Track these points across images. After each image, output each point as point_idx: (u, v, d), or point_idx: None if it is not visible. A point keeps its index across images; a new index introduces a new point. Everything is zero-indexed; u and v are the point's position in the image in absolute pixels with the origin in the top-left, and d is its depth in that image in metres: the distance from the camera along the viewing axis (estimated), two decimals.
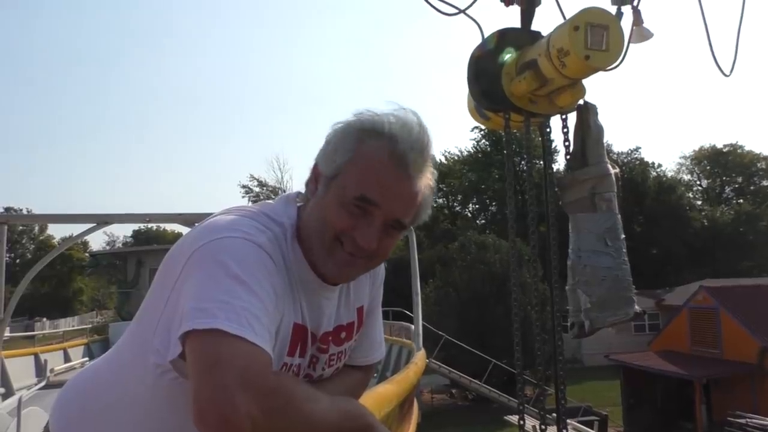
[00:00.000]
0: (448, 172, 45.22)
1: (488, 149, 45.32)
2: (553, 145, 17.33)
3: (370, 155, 1.09)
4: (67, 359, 13.16)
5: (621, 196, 2.64)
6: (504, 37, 2.64)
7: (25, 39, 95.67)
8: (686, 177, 55.35)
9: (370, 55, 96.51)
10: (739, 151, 53.33)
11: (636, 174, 44.24)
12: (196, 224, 1.13)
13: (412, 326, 9.53)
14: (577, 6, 2.36)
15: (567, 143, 2.66)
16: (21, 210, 54.02)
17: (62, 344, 14.89)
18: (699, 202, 52.60)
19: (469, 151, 47.40)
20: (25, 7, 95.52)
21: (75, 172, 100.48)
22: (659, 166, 50.69)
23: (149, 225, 54.19)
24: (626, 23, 2.69)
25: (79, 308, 55.75)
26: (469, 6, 2.74)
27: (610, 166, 2.62)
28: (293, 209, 1.18)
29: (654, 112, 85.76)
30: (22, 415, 5.18)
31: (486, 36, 2.66)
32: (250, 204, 1.25)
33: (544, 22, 2.64)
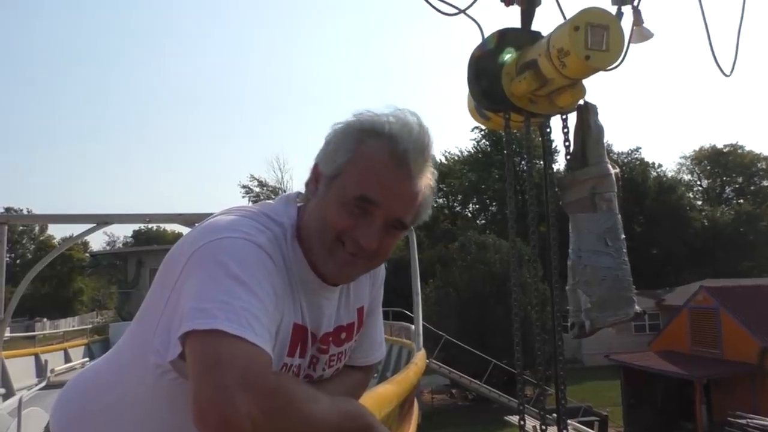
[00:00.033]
0: (448, 172, 45.21)
1: (488, 149, 45.32)
2: (554, 145, 17.35)
3: (370, 155, 1.09)
4: (67, 359, 13.17)
5: (621, 196, 2.64)
6: (504, 37, 2.64)
7: (25, 39, 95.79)
8: (686, 177, 55.41)
9: (370, 55, 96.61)
10: (739, 151, 53.34)
11: (636, 174, 44.23)
12: (196, 224, 1.13)
13: (412, 326, 9.54)
14: (577, 6, 2.36)
15: (567, 143, 2.66)
16: (21, 210, 54.11)
17: (63, 344, 14.89)
18: (699, 203, 52.60)
19: (469, 151, 47.46)
20: (25, 7, 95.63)
21: (75, 172, 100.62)
22: (659, 166, 50.77)
23: (149, 225, 54.23)
24: (626, 23, 2.69)
25: (79, 308, 55.75)
26: (469, 6, 2.75)
27: (610, 166, 2.62)
28: (293, 209, 1.18)
29: (654, 112, 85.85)
30: (22, 416, 5.18)
31: (486, 36, 2.66)
32: (250, 204, 1.25)
33: (545, 22, 2.64)
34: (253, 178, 44.30)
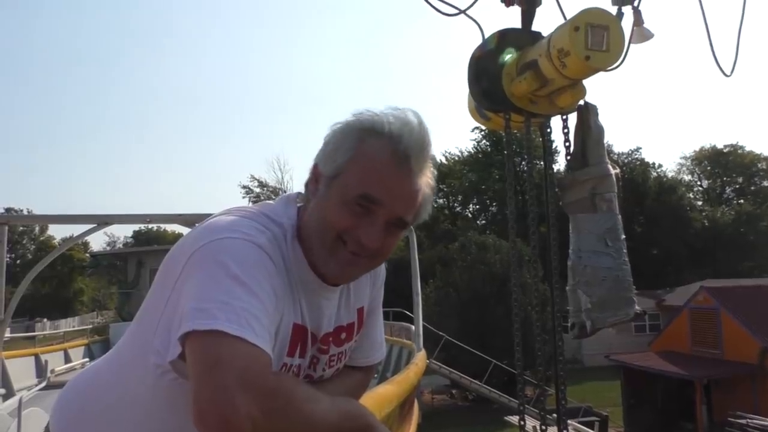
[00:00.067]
0: (448, 172, 45.23)
1: (489, 150, 45.33)
2: (554, 146, 17.32)
3: (371, 154, 1.09)
4: (67, 360, 13.17)
5: (621, 197, 2.64)
6: (504, 38, 2.64)
7: (25, 39, 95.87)
8: (687, 177, 55.42)
9: (370, 55, 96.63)
10: (739, 151, 53.34)
11: (636, 174, 44.24)
12: (196, 225, 1.13)
13: (413, 327, 9.54)
14: (577, 6, 2.36)
15: (567, 144, 2.66)
16: (21, 210, 54.04)
17: (63, 345, 14.90)
18: (699, 203, 52.62)
19: (469, 152, 47.47)
20: (25, 7, 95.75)
21: (75, 172, 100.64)
22: (660, 166, 50.80)
23: (149, 225, 54.26)
24: (627, 24, 2.69)
25: (79, 309, 55.74)
26: (469, 6, 2.75)
27: (610, 167, 2.62)
28: (293, 210, 1.18)
29: (654, 113, 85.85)
30: (22, 416, 5.18)
31: (486, 36, 2.66)
32: (250, 204, 1.25)
33: (545, 22, 2.64)
34: (253, 178, 44.36)
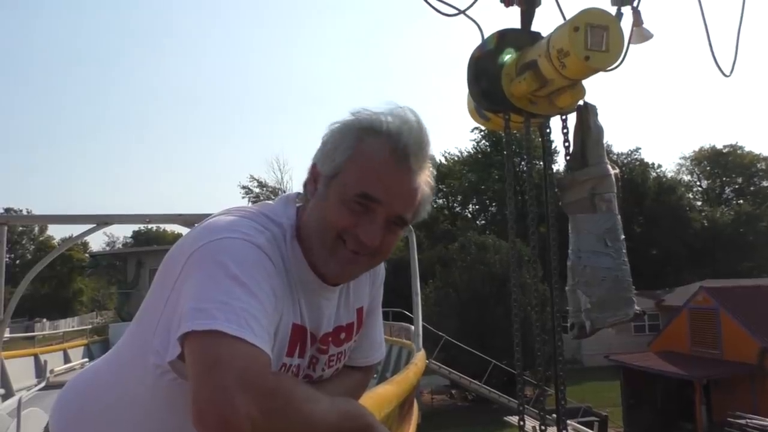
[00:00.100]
0: (448, 172, 45.22)
1: (488, 150, 45.32)
2: (553, 146, 17.34)
3: (370, 152, 1.09)
4: (67, 360, 13.17)
5: (621, 197, 2.64)
6: (504, 38, 2.64)
7: (25, 39, 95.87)
8: (686, 177, 55.43)
9: (370, 55, 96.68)
10: (739, 151, 53.35)
11: (636, 174, 44.25)
12: (196, 225, 1.13)
13: (412, 327, 9.53)
14: (577, 7, 2.36)
15: (567, 144, 2.66)
16: (21, 210, 53.99)
17: (62, 345, 14.90)
18: (699, 203, 52.62)
19: (469, 152, 47.45)
20: (25, 7, 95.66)
21: (75, 172, 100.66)
22: (659, 166, 50.82)
23: (149, 226, 54.25)
24: (626, 24, 2.69)
25: (79, 309, 55.74)
26: (469, 7, 2.75)
27: (609, 167, 2.62)
28: (293, 210, 1.18)
29: (654, 113, 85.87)
30: (21, 416, 5.18)
31: (486, 37, 2.66)
32: (250, 204, 1.25)
33: (544, 22, 2.64)
34: (252, 178, 44.30)
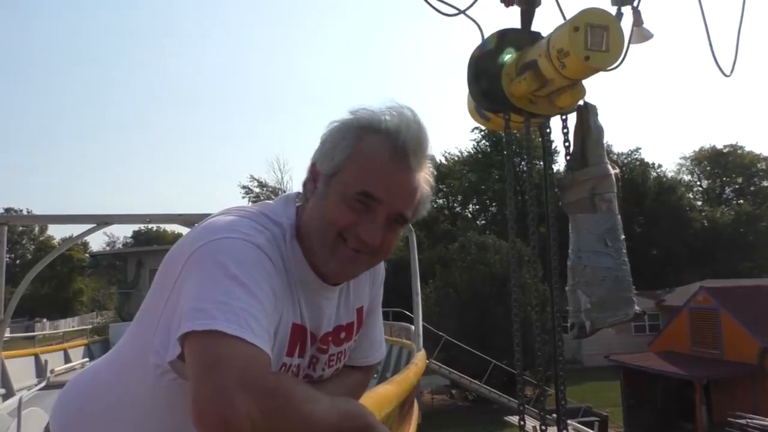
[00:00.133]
0: (448, 172, 45.22)
1: (488, 150, 45.32)
2: (553, 146, 17.34)
3: (369, 151, 1.09)
4: (67, 360, 13.16)
5: (621, 197, 2.64)
6: (504, 38, 2.64)
7: (25, 39, 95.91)
8: (686, 177, 55.43)
9: (370, 55, 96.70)
10: (739, 151, 53.35)
11: (636, 174, 44.25)
12: (196, 225, 1.13)
13: (412, 327, 9.53)
14: (577, 6, 2.36)
15: (567, 144, 2.66)
16: (21, 210, 54.11)
17: (62, 345, 14.88)
18: (699, 203, 52.62)
19: (469, 152, 47.45)
20: (25, 7, 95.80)
21: (75, 172, 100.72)
22: (659, 166, 50.83)
23: (149, 225, 54.25)
24: (626, 24, 2.69)
25: (79, 309, 55.75)
26: (469, 7, 2.75)
27: (610, 167, 2.62)
28: (292, 209, 1.18)
29: (654, 113, 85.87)
30: (22, 416, 5.18)
31: (486, 36, 2.66)
32: (250, 204, 1.26)
33: (545, 22, 2.64)
34: (252, 178, 44.31)
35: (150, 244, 48.44)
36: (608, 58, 2.32)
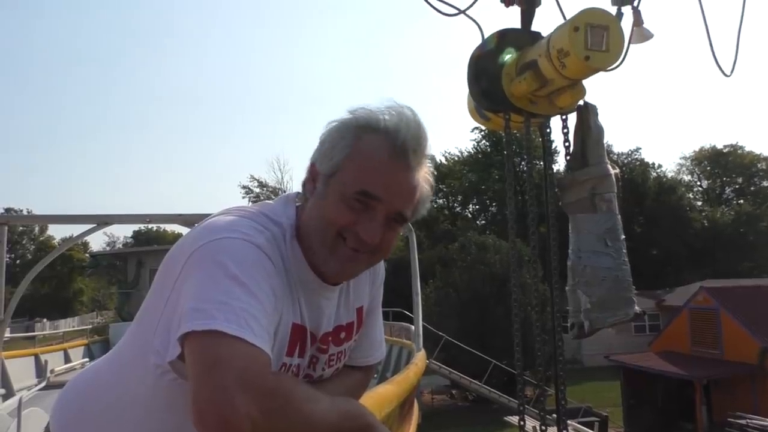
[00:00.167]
0: (448, 172, 45.22)
1: (488, 150, 45.31)
2: (554, 146, 17.34)
3: (368, 150, 1.09)
4: (67, 360, 13.15)
5: (621, 197, 2.64)
6: (504, 38, 2.64)
7: (25, 39, 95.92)
8: (686, 177, 55.42)
9: (370, 55, 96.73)
10: (739, 151, 53.34)
11: (636, 174, 44.24)
12: (196, 225, 1.13)
13: (412, 327, 9.52)
14: (577, 6, 2.36)
15: (567, 144, 2.66)
16: (21, 210, 54.13)
17: (62, 345, 14.87)
18: (699, 203, 52.62)
19: (469, 152, 47.45)
20: (25, 7, 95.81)
21: (75, 172, 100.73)
22: (659, 166, 50.83)
23: (149, 226, 54.26)
24: (626, 24, 2.69)
25: (79, 309, 55.74)
26: (469, 6, 2.75)
27: (610, 167, 2.62)
28: (292, 209, 1.18)
29: (654, 113, 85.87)
30: (22, 416, 5.18)
31: (486, 36, 2.66)
32: (250, 204, 1.26)
33: (545, 22, 2.64)
34: (253, 178, 44.30)
35: (150, 244, 48.45)
36: (608, 58, 2.32)
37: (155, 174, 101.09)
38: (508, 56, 2.61)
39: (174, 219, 7.81)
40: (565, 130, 2.67)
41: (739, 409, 18.37)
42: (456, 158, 47.94)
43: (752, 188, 52.69)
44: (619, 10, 2.67)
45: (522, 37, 2.64)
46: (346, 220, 1.09)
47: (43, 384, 10.10)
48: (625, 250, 2.59)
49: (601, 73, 2.40)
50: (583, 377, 24.60)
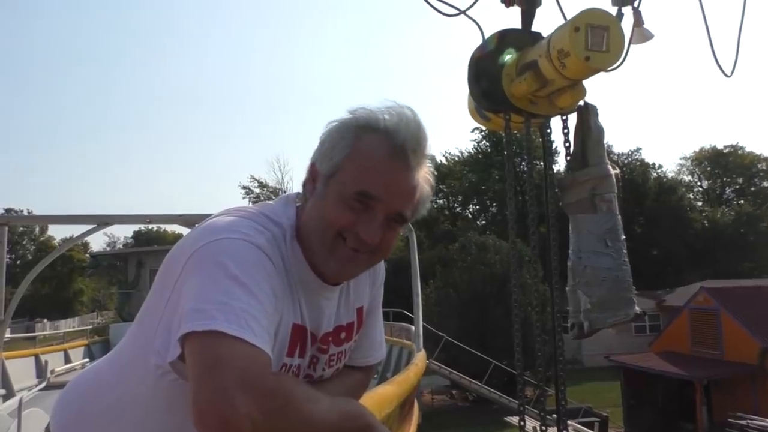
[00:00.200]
0: (448, 173, 45.21)
1: (488, 150, 45.30)
2: (554, 146, 17.33)
3: (367, 150, 1.09)
4: (67, 360, 13.14)
5: (621, 197, 2.64)
6: (504, 38, 2.64)
7: (25, 39, 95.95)
8: (687, 178, 55.41)
9: (370, 55, 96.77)
10: (739, 152, 53.34)
11: (636, 175, 44.23)
12: (196, 225, 1.13)
13: (413, 327, 9.53)
14: (577, 7, 2.36)
15: (567, 144, 2.66)
16: (21, 211, 54.14)
17: (63, 345, 14.87)
18: (699, 203, 52.61)
19: (469, 152, 47.44)
20: (25, 7, 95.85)
21: (75, 172, 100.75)
22: (660, 167, 50.80)
23: (150, 226, 54.28)
24: (627, 24, 2.69)
25: (79, 309, 55.75)
26: (469, 7, 2.75)
27: (610, 167, 2.62)
28: (292, 210, 1.18)
29: (655, 113, 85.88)
30: (22, 416, 5.18)
31: (486, 37, 2.66)
32: (250, 205, 1.26)
33: (545, 23, 2.64)
34: (253, 178, 44.28)
35: (150, 245, 48.42)
36: (609, 58, 2.32)
37: (155, 174, 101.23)
38: (508, 57, 2.61)
39: (174, 219, 7.81)
40: (566, 131, 2.67)
41: (740, 409, 18.36)
42: (456, 158, 47.94)
43: (752, 189, 52.69)
44: (619, 10, 2.67)
45: (522, 38, 2.64)
46: (346, 220, 1.09)
47: (43, 384, 10.10)
48: (625, 251, 2.59)
49: (601, 74, 2.40)
50: (583, 377, 24.59)
